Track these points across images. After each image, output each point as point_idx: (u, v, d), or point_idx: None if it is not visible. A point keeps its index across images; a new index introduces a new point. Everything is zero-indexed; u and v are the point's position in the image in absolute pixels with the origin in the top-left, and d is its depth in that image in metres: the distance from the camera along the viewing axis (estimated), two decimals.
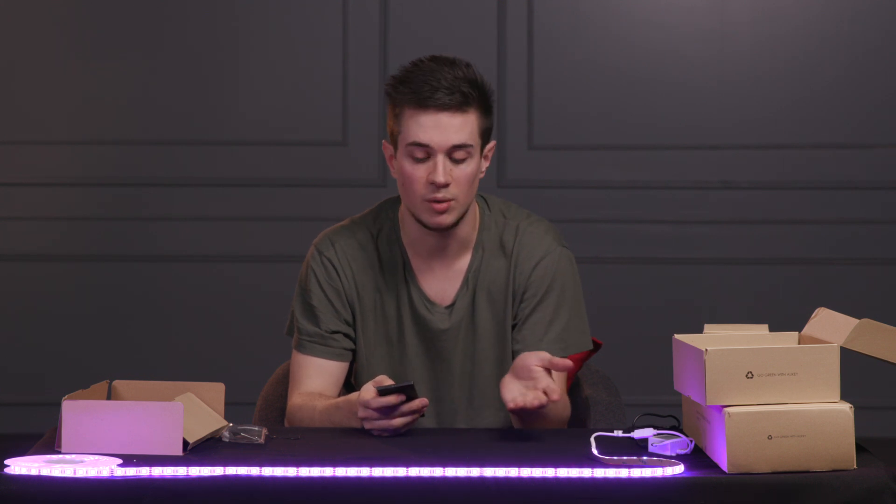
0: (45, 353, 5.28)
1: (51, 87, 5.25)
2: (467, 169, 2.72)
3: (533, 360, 2.57)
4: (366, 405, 2.52)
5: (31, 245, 5.29)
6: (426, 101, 2.68)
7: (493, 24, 5.24)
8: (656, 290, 5.27)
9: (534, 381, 2.55)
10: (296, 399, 2.81)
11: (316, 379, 2.83)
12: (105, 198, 5.28)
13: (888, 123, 5.24)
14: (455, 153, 2.71)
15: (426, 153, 2.70)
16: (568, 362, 2.56)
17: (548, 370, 2.57)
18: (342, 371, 2.86)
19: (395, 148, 2.76)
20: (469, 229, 2.83)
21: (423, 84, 2.69)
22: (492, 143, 2.80)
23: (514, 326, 2.85)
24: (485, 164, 2.79)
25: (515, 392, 2.55)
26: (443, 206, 2.71)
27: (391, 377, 2.76)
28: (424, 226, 2.75)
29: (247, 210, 5.27)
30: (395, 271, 2.84)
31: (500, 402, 2.79)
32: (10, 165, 5.27)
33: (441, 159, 2.69)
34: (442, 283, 2.84)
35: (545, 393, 2.52)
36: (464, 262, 2.84)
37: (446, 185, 2.70)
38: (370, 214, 2.90)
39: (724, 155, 5.26)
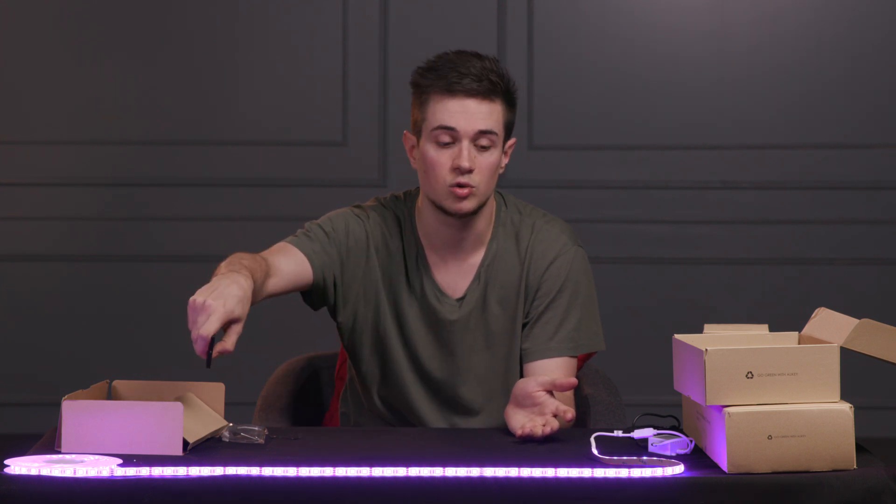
0: (46, 353, 5.28)
1: (51, 88, 5.25)
2: (490, 158, 2.73)
3: (532, 385, 2.56)
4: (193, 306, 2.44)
5: (31, 245, 5.29)
6: (454, 87, 2.71)
7: (493, 24, 5.24)
8: (656, 290, 5.27)
9: (539, 407, 2.54)
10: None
11: (278, 254, 2.76)
12: (105, 198, 5.28)
13: (888, 123, 5.24)
14: (480, 140, 2.72)
15: (451, 138, 2.72)
16: (573, 381, 2.55)
17: (549, 391, 2.56)
18: (299, 270, 2.78)
19: (419, 137, 2.76)
20: (485, 224, 2.83)
21: (452, 71, 2.72)
22: (512, 140, 2.81)
23: (525, 325, 2.85)
24: (504, 161, 2.80)
25: (523, 420, 2.54)
26: (464, 191, 2.72)
27: (397, 361, 2.82)
28: (446, 212, 2.75)
29: (247, 210, 5.27)
30: (411, 260, 2.84)
31: (506, 397, 2.78)
32: (10, 165, 5.27)
33: (466, 145, 2.71)
34: (454, 276, 2.84)
35: (556, 415, 2.51)
36: (477, 256, 2.84)
37: (470, 171, 2.71)
38: (396, 201, 2.88)
39: (724, 155, 5.26)
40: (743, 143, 5.25)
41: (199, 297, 2.44)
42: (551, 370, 2.80)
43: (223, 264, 2.58)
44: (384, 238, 2.85)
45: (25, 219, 5.28)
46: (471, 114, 2.71)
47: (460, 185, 2.71)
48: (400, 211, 2.87)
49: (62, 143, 5.27)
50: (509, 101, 2.77)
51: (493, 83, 2.72)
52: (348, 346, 2.90)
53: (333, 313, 2.88)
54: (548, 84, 5.24)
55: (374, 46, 5.25)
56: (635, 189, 5.26)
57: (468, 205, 2.74)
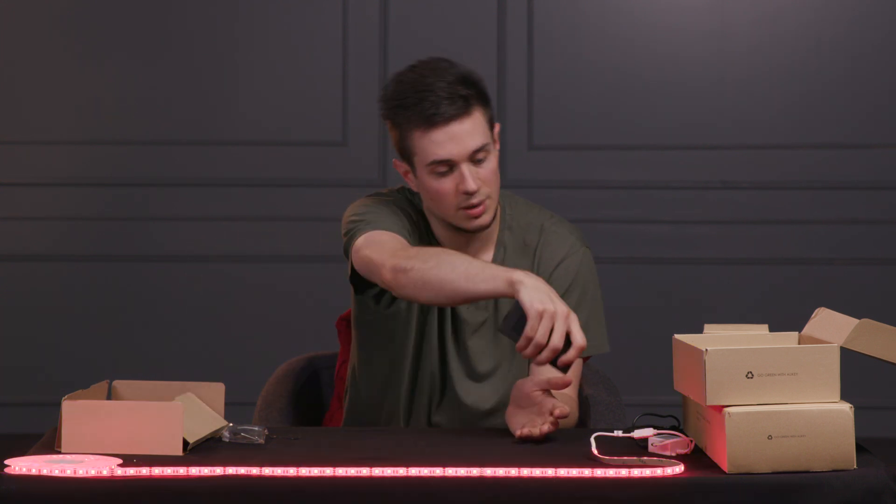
0: (46, 353, 5.28)
1: (51, 87, 5.25)
2: (490, 165, 2.71)
3: (529, 385, 2.55)
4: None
5: (31, 245, 5.29)
6: (433, 119, 2.65)
7: (493, 24, 5.24)
8: (656, 290, 5.27)
9: (538, 407, 2.53)
10: (399, 254, 2.59)
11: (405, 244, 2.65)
12: (105, 198, 5.28)
13: (888, 123, 5.24)
14: (476, 156, 2.69)
15: (448, 166, 2.69)
16: (567, 378, 2.54)
17: (546, 391, 2.55)
18: None
19: (411, 165, 2.73)
20: (493, 224, 2.82)
21: (422, 101, 2.66)
22: (497, 127, 2.78)
23: None
24: (496, 147, 2.77)
25: (523, 421, 2.53)
26: (479, 209, 2.70)
27: (430, 354, 2.79)
28: (465, 231, 2.74)
29: (247, 210, 5.27)
30: None
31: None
32: (10, 165, 5.27)
33: (465, 167, 2.67)
34: None
35: (551, 413, 2.50)
36: (486, 257, 2.82)
37: (477, 190, 2.69)
38: (410, 196, 2.84)
39: (724, 155, 5.26)
40: (743, 143, 5.25)
41: (549, 304, 2.41)
42: (557, 371, 2.79)
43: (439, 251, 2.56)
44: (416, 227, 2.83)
45: (25, 219, 5.28)
46: (459, 138, 2.67)
47: (472, 206, 2.69)
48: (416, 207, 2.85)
49: (62, 143, 5.27)
50: (484, 101, 2.72)
51: (465, 98, 2.67)
52: (383, 331, 2.84)
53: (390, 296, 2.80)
54: (548, 84, 5.23)
55: (374, 46, 5.25)
56: (635, 189, 5.26)
57: (486, 218, 2.72)
